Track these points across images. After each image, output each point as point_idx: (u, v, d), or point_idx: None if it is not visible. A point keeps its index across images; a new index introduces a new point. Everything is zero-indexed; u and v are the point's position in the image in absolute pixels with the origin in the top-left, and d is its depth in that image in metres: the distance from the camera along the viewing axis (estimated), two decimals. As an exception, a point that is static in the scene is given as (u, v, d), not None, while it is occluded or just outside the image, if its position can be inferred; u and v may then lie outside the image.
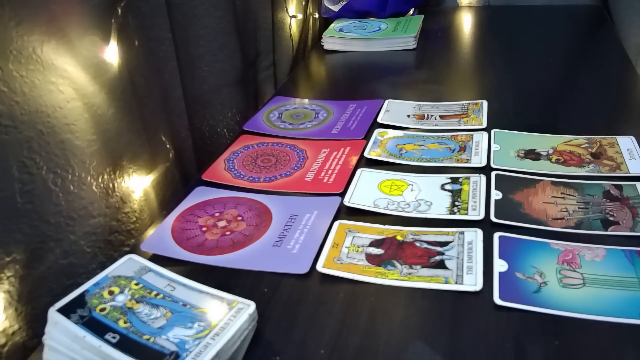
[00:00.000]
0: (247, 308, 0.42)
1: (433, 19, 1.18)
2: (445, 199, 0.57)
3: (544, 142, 0.67)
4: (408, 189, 0.60)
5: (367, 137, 0.71)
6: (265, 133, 0.74)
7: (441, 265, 0.48)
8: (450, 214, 0.55)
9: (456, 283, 0.46)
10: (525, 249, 0.49)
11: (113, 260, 0.46)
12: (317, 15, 1.21)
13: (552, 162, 0.62)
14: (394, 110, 0.78)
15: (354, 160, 0.66)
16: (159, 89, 0.66)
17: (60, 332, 0.39)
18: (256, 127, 0.76)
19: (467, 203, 0.56)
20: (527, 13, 1.20)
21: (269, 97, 0.87)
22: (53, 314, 0.40)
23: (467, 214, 0.54)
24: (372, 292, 0.47)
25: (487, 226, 0.53)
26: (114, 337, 0.39)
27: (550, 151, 0.64)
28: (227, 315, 0.41)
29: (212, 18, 0.75)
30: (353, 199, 0.58)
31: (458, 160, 0.64)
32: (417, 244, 0.51)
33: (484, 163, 0.63)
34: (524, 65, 0.93)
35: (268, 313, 0.45)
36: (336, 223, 0.55)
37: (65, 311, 0.40)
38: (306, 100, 0.85)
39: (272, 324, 0.44)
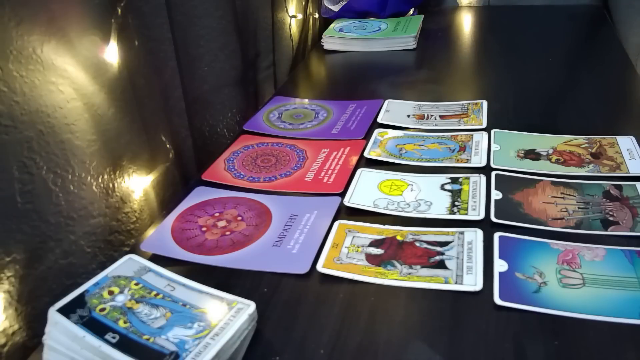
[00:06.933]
0: (247, 308, 0.42)
1: (433, 19, 1.18)
2: (445, 199, 0.57)
3: (543, 142, 0.67)
4: (408, 189, 0.60)
5: (367, 137, 0.71)
6: (265, 133, 0.74)
7: (441, 265, 0.48)
8: (450, 214, 0.55)
9: (456, 283, 0.46)
10: (525, 249, 0.49)
11: (113, 260, 0.46)
12: (317, 15, 1.21)
13: (552, 162, 0.62)
14: (394, 110, 0.78)
15: (354, 160, 0.66)
16: (159, 89, 0.66)
17: (60, 332, 0.39)
18: (256, 127, 0.76)
19: (467, 203, 0.56)
20: (527, 13, 1.20)
21: (269, 97, 0.87)
22: (53, 314, 0.40)
23: (467, 214, 0.54)
24: (372, 292, 0.47)
25: (487, 226, 0.53)
26: (113, 337, 0.39)
27: (550, 151, 0.64)
28: (227, 315, 0.41)
29: (212, 18, 0.75)
30: (353, 199, 0.58)
31: (458, 160, 0.64)
32: (417, 244, 0.51)
33: (484, 163, 0.63)
34: (524, 65, 0.93)
35: (268, 313, 0.45)
36: (336, 223, 0.55)
37: (65, 311, 0.40)
38: (306, 100, 0.85)
39: (271, 324, 0.44)
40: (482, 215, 0.54)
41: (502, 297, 0.44)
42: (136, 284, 0.44)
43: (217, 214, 0.58)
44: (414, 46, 1.03)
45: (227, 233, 0.55)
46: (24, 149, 0.44)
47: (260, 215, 0.57)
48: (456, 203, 0.56)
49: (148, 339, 0.39)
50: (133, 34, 0.59)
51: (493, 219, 0.53)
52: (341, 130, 0.74)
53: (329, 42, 1.06)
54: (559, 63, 0.93)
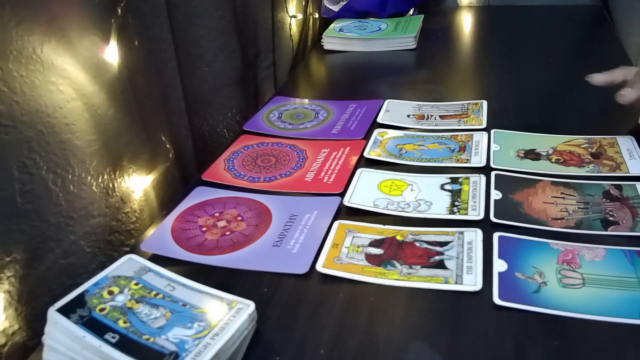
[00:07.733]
0: (247, 308, 0.42)
1: (433, 19, 1.18)
2: (445, 199, 0.57)
3: (544, 142, 0.66)
4: (408, 189, 0.60)
5: (367, 137, 0.71)
6: (265, 133, 0.74)
7: (441, 265, 0.48)
8: (450, 214, 0.55)
9: (456, 283, 0.46)
10: (525, 249, 0.49)
11: (113, 260, 0.46)
12: (317, 15, 1.21)
13: (552, 162, 0.62)
14: (393, 110, 0.78)
15: (354, 160, 0.66)
16: (159, 89, 0.66)
17: (60, 332, 0.39)
18: (256, 127, 0.76)
19: (467, 203, 0.56)
20: (527, 13, 1.20)
21: (269, 97, 0.87)
22: (53, 314, 0.40)
23: (466, 214, 0.54)
24: (372, 292, 0.47)
25: (486, 226, 0.53)
26: (113, 337, 0.39)
27: (550, 151, 0.64)
28: (227, 315, 0.41)
29: (212, 18, 0.75)
30: (353, 199, 0.58)
31: (458, 160, 0.64)
32: (417, 244, 0.51)
33: (483, 163, 0.63)
34: (524, 65, 0.93)
35: (268, 313, 0.45)
36: (336, 223, 0.55)
37: (65, 311, 0.40)
38: (306, 100, 0.85)
39: (271, 324, 0.44)
40: (482, 215, 0.54)
41: (501, 297, 0.44)
42: (136, 284, 0.44)
43: (217, 214, 0.58)
44: (414, 46, 1.03)
45: (227, 233, 0.55)
46: (24, 149, 0.44)
47: (260, 215, 0.57)
48: (456, 203, 0.56)
49: (148, 339, 0.39)
50: (133, 34, 0.59)
51: (493, 219, 0.53)
52: (341, 130, 0.74)
53: (329, 42, 1.06)
54: (559, 63, 0.93)
